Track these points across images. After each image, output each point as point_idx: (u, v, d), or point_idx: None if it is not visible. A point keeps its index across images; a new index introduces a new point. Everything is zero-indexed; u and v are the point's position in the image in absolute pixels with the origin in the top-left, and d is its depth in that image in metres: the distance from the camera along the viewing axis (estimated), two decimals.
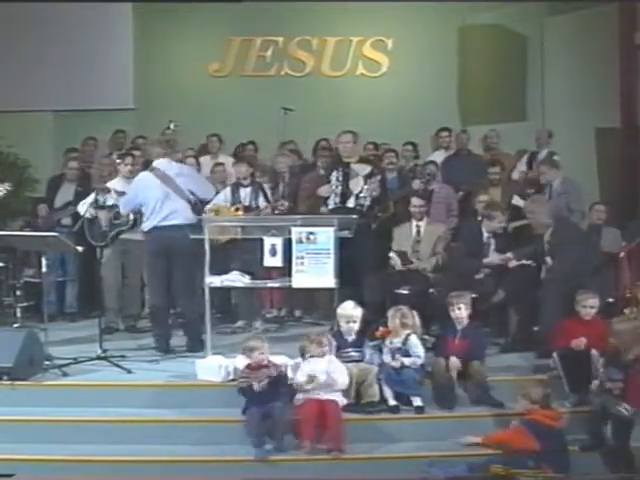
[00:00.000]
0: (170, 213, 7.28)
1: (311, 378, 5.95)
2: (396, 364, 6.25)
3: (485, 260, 7.68)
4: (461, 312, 6.54)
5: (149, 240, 7.45)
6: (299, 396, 6.02)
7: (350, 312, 6.44)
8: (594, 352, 6.17)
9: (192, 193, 7.50)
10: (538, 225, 7.54)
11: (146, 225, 7.42)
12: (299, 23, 11.48)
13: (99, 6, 11.12)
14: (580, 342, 6.23)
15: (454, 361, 6.34)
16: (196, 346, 7.23)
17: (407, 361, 6.26)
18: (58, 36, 11.16)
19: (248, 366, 6.05)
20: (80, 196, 8.51)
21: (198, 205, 7.58)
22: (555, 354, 6.34)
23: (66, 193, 9.11)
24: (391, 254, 7.97)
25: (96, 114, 11.07)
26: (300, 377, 6.02)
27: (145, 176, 7.53)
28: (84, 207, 7.84)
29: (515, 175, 9.60)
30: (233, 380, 6.33)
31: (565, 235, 7.35)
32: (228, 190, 8.35)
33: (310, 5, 11.22)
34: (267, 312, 8.70)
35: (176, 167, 7.65)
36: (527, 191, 8.76)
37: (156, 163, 7.55)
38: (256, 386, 5.87)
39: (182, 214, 7.32)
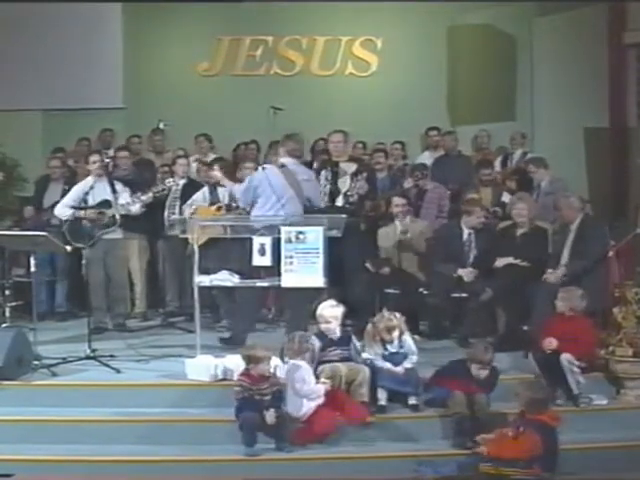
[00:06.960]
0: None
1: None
2: (401, 370, 6.21)
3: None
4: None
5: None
6: (303, 408, 5.89)
7: (325, 312, 6.32)
8: (566, 356, 6.21)
9: (308, 200, 7.41)
10: (524, 222, 7.57)
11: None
12: (288, 22, 11.47)
13: (88, 5, 11.09)
14: (551, 342, 6.30)
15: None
16: (238, 340, 7.10)
17: (408, 364, 6.25)
18: (47, 35, 11.13)
19: (248, 376, 5.83)
20: None
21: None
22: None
23: (54, 193, 9.06)
24: (367, 264, 7.98)
25: (85, 113, 11.06)
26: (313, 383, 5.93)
27: (272, 171, 7.39)
28: (63, 209, 7.88)
29: None
30: (223, 379, 6.33)
31: (589, 234, 7.38)
32: (206, 189, 8.40)
33: (300, 5, 11.22)
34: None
35: (304, 171, 7.55)
36: (506, 188, 8.82)
37: (285, 161, 7.45)
38: (259, 398, 5.74)
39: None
